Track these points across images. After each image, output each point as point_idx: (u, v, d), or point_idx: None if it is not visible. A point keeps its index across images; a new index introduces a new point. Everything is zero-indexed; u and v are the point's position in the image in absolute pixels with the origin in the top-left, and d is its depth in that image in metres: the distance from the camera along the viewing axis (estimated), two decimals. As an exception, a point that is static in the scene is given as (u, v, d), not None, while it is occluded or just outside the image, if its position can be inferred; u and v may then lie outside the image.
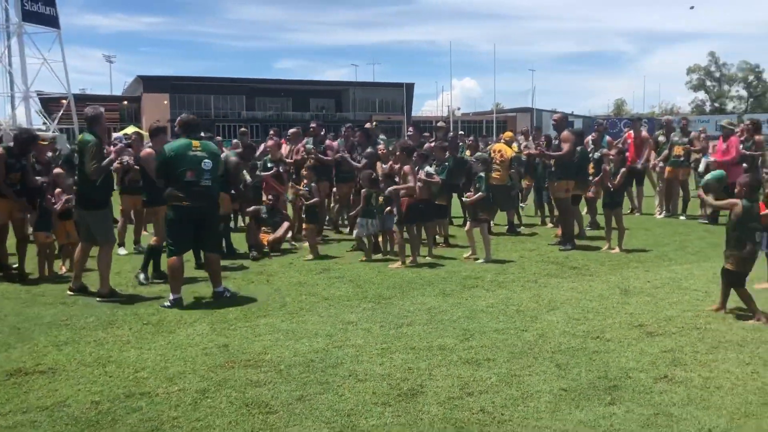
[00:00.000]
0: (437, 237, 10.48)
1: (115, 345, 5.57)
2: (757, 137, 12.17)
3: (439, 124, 13.57)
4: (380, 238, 9.73)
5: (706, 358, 5.10)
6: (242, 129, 16.46)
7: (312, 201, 9.83)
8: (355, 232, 9.86)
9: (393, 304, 6.85)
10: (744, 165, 11.39)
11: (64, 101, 55.13)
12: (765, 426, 3.99)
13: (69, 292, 7.35)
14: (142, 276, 8.06)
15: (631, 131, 14.01)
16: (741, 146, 11.90)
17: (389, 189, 9.13)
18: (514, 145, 12.92)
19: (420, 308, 6.65)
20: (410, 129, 12.10)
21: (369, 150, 10.65)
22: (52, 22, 52.70)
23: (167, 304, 6.81)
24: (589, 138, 12.30)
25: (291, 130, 12.22)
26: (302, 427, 3.94)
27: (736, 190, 6.39)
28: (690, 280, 7.74)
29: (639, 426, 3.92)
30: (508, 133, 13.01)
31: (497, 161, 11.51)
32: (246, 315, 6.47)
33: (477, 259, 9.17)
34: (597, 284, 7.65)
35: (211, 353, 5.32)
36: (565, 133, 10.37)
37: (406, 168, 9.15)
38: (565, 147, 10.14)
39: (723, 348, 5.33)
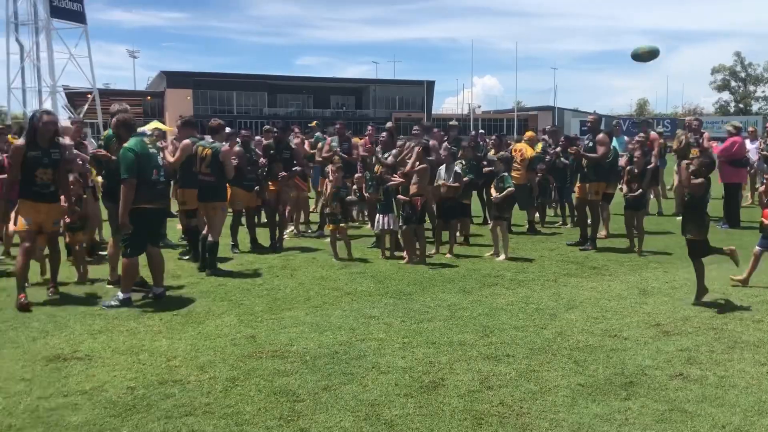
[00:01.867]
0: (458, 235, 10.62)
1: (147, 334, 5.79)
2: None
3: (451, 123, 13.67)
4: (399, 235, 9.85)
5: (721, 357, 5.21)
6: (266, 126, 16.65)
7: (349, 198, 9.83)
8: (375, 227, 9.91)
9: (414, 300, 7.01)
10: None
11: (89, 96, 55.83)
12: (778, 424, 4.10)
13: (108, 285, 7.59)
14: (208, 270, 8.34)
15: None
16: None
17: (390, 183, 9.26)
18: (539, 144, 12.93)
19: (440, 305, 6.81)
20: (416, 128, 12.14)
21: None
22: (78, 17, 53.41)
23: (114, 303, 6.74)
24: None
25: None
26: (328, 415, 4.11)
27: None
28: (707, 282, 7.79)
29: (653, 421, 4.04)
30: (530, 133, 13.09)
31: (517, 160, 11.62)
32: (271, 308, 6.67)
33: (498, 256, 9.33)
34: (616, 284, 7.75)
35: (239, 344, 5.52)
36: (602, 136, 10.40)
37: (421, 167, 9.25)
38: (602, 150, 10.18)
39: (739, 348, 5.43)
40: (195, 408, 4.22)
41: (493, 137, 13.41)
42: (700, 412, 4.18)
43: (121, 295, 6.82)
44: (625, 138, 12.94)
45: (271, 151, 10.40)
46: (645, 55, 6.05)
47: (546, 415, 4.13)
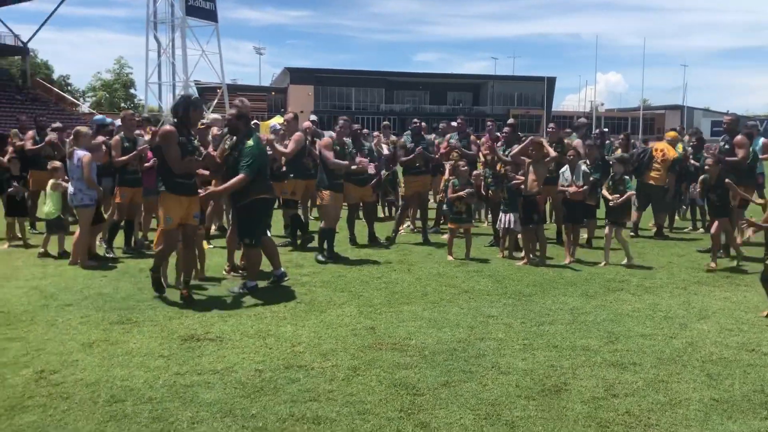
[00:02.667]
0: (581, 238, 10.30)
1: (273, 320, 6.04)
2: None
3: (580, 120, 13.21)
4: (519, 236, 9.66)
5: None
6: (385, 122, 16.87)
7: (467, 192, 9.56)
8: (498, 225, 9.73)
9: (534, 302, 6.88)
10: None
11: (218, 90, 58.78)
12: None
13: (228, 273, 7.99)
14: (320, 256, 8.83)
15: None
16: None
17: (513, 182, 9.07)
18: (680, 145, 12.25)
19: (562, 308, 6.64)
20: (551, 125, 11.87)
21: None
22: (211, 16, 56.37)
23: (241, 290, 7.09)
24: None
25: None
26: (448, 411, 4.12)
27: None
28: None
29: (799, 445, 3.76)
30: (673, 133, 12.41)
31: (658, 160, 11.09)
32: (390, 301, 6.76)
33: (606, 264, 8.78)
34: (752, 295, 7.24)
35: (359, 334, 5.64)
36: (740, 138, 9.83)
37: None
38: (741, 153, 9.64)
39: None
40: (319, 394, 4.35)
41: (621, 136, 12.84)
42: None
43: (248, 282, 7.16)
44: (762, 140, 12.00)
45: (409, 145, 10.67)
46: None
47: (676, 429, 3.94)
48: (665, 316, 6.36)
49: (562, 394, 4.43)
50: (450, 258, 9.16)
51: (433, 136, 13.11)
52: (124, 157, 8.96)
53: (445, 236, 9.97)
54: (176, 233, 6.71)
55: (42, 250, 9.05)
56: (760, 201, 9.69)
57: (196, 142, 6.89)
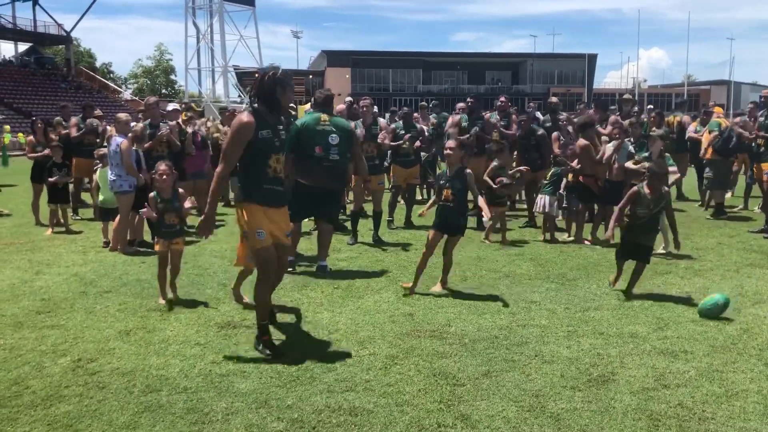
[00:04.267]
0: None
1: (309, 306, 5.94)
2: None
3: (625, 96, 12.77)
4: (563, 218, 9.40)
5: None
6: (422, 103, 16.65)
7: (500, 181, 9.35)
8: (536, 207, 9.47)
9: (578, 286, 6.65)
10: None
11: (257, 75, 58.98)
12: None
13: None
14: (349, 239, 8.83)
15: None
16: None
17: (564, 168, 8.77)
18: (722, 120, 11.76)
19: (608, 292, 6.40)
20: (592, 107, 11.47)
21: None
22: (248, 0, 56.45)
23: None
24: None
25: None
26: (490, 403, 3.96)
27: None
28: None
29: None
30: (718, 109, 11.96)
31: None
32: (428, 286, 6.60)
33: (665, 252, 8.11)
34: (812, 278, 6.89)
35: (397, 321, 5.51)
36: None
37: (581, 143, 8.71)
38: None
39: None
40: (356, 384, 4.24)
41: (653, 113, 12.34)
42: None
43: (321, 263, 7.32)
44: None
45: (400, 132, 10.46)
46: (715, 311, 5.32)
47: (734, 422, 3.71)
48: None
49: (610, 384, 4.23)
50: (487, 242, 8.94)
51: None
52: (147, 144, 9.00)
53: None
54: (273, 251, 4.77)
55: (104, 239, 9.04)
56: None
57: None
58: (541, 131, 10.47)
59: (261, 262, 4.77)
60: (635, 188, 6.35)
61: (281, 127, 4.81)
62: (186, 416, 3.82)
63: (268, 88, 4.67)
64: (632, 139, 9.17)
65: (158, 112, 9.53)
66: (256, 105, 4.72)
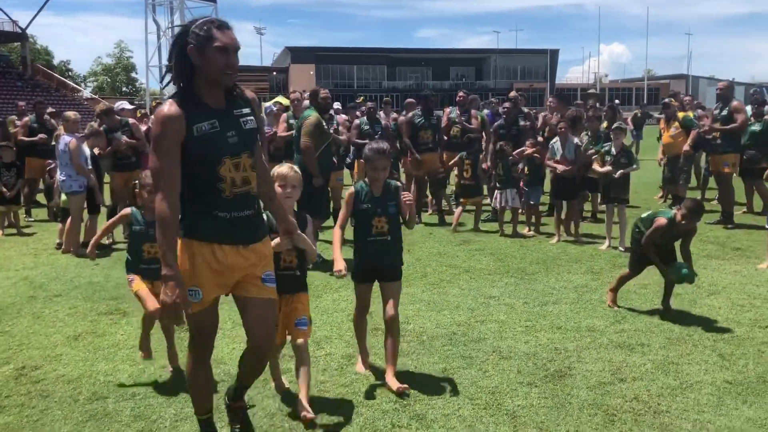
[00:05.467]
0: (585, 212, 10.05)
1: (266, 307, 5.82)
2: None
3: (589, 91, 12.89)
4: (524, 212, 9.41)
5: None
6: (386, 99, 16.63)
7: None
8: (495, 202, 9.44)
9: (537, 281, 6.64)
10: None
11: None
12: None
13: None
14: None
15: None
16: None
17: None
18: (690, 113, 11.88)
19: (566, 286, 6.41)
20: (551, 100, 11.50)
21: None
22: (209, -4, 55.69)
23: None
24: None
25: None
26: (446, 401, 3.90)
27: None
28: None
29: (819, 429, 3.53)
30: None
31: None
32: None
33: (614, 248, 8.04)
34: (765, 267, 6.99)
35: (355, 320, 5.41)
36: (738, 103, 9.60)
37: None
38: (740, 118, 9.45)
39: None
40: (310, 386, 4.13)
41: (605, 108, 12.32)
42: None
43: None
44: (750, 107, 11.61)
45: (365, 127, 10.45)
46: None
47: (688, 415, 3.71)
48: (674, 292, 6.11)
49: (567, 379, 4.21)
50: (459, 229, 9.21)
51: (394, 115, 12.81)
52: (107, 149, 8.91)
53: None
54: (210, 318, 3.25)
55: (58, 241, 8.74)
56: None
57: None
58: (523, 123, 10.36)
59: (192, 332, 3.23)
60: (664, 221, 5.46)
61: (241, 111, 3.06)
62: (133, 424, 3.69)
63: (180, 52, 2.94)
64: (590, 133, 9.22)
65: (112, 118, 9.23)
66: (181, 85, 2.99)
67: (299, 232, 3.63)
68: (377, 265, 4.22)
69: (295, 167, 3.88)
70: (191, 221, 3.01)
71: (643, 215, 5.79)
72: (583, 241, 8.49)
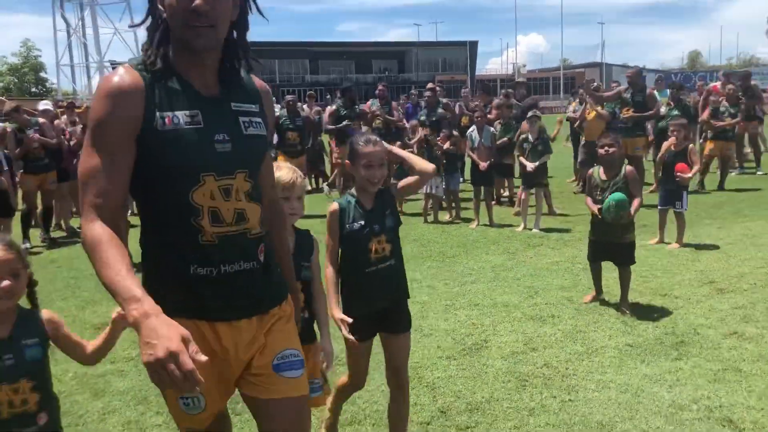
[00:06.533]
0: (502, 196, 10.45)
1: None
2: None
3: (519, 80, 13.35)
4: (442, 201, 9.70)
5: (779, 315, 4.98)
6: (310, 92, 16.75)
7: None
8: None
9: (457, 263, 6.91)
10: None
11: None
12: (840, 383, 3.89)
13: None
14: None
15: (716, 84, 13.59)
16: None
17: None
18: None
19: (484, 266, 6.70)
20: (465, 91, 11.85)
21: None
22: (121, -8, 54.07)
23: None
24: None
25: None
26: (370, 378, 4.06)
27: None
28: (765, 237, 7.49)
29: (706, 381, 3.89)
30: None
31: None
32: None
33: (529, 229, 8.36)
34: (667, 241, 7.49)
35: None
36: (652, 90, 10.31)
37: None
38: (656, 105, 10.11)
39: (798, 305, 5.19)
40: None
41: (500, 96, 12.41)
42: (756, 370, 4.00)
43: None
44: (668, 92, 12.35)
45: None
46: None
47: (593, 376, 4.02)
48: (584, 267, 6.45)
49: (483, 351, 4.46)
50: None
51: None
52: (17, 150, 8.61)
53: None
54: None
55: None
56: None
57: None
58: (442, 111, 10.62)
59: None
60: (589, 171, 5.43)
61: (242, 106, 1.97)
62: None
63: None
64: (501, 120, 9.60)
65: (22, 116, 8.97)
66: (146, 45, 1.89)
67: (321, 312, 2.91)
68: (382, 305, 3.05)
69: (298, 171, 2.85)
70: (157, 282, 1.90)
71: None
72: (498, 224, 8.84)
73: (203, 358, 1.52)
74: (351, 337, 2.87)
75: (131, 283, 1.61)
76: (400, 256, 3.07)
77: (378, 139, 3.04)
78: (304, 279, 2.80)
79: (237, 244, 1.91)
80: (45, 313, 2.42)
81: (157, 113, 1.79)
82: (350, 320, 2.86)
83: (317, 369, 2.90)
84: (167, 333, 1.49)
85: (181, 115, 1.81)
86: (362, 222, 2.95)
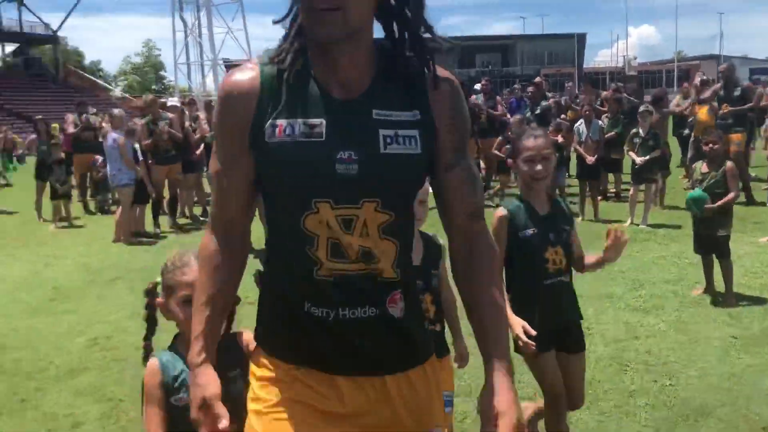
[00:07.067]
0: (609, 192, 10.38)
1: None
2: None
3: (630, 73, 13.14)
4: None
5: None
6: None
7: None
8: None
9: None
10: None
11: (247, 67, 59.06)
12: None
13: None
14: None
15: None
16: None
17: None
18: None
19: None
20: (569, 84, 11.78)
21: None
22: (234, -7, 56.40)
23: None
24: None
25: None
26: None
27: None
28: None
29: (814, 374, 3.90)
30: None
31: None
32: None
33: (636, 224, 8.32)
34: (781, 239, 7.28)
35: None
36: (751, 85, 9.94)
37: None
38: (756, 96, 9.77)
39: None
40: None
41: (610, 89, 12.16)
42: None
43: None
44: None
45: None
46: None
47: (695, 363, 4.11)
48: (690, 262, 6.44)
49: (586, 338, 4.60)
50: None
51: None
52: (147, 141, 9.34)
53: None
54: None
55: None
56: None
57: None
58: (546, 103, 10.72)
59: None
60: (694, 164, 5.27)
61: (391, 115, 1.47)
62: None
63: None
64: (609, 114, 9.54)
65: (157, 109, 9.82)
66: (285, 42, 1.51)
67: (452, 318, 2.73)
68: (560, 323, 2.88)
69: None
70: (269, 314, 1.61)
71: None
72: (603, 219, 8.84)
73: (224, 424, 1.47)
74: (531, 342, 2.57)
75: (199, 346, 1.53)
76: (571, 272, 2.87)
77: (541, 131, 2.81)
78: (435, 287, 2.58)
79: (361, 285, 1.47)
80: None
81: (269, 120, 1.43)
82: (533, 332, 2.57)
83: (451, 381, 2.69)
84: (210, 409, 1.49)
85: (299, 125, 1.41)
86: (536, 229, 2.72)
